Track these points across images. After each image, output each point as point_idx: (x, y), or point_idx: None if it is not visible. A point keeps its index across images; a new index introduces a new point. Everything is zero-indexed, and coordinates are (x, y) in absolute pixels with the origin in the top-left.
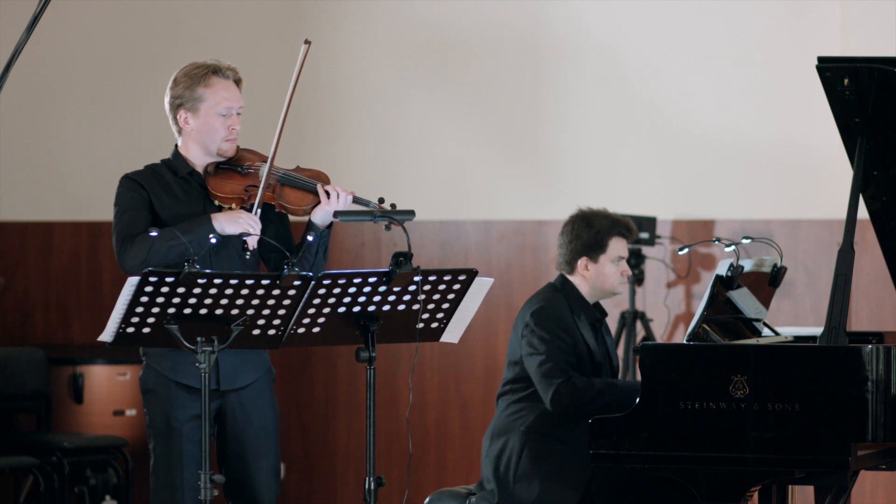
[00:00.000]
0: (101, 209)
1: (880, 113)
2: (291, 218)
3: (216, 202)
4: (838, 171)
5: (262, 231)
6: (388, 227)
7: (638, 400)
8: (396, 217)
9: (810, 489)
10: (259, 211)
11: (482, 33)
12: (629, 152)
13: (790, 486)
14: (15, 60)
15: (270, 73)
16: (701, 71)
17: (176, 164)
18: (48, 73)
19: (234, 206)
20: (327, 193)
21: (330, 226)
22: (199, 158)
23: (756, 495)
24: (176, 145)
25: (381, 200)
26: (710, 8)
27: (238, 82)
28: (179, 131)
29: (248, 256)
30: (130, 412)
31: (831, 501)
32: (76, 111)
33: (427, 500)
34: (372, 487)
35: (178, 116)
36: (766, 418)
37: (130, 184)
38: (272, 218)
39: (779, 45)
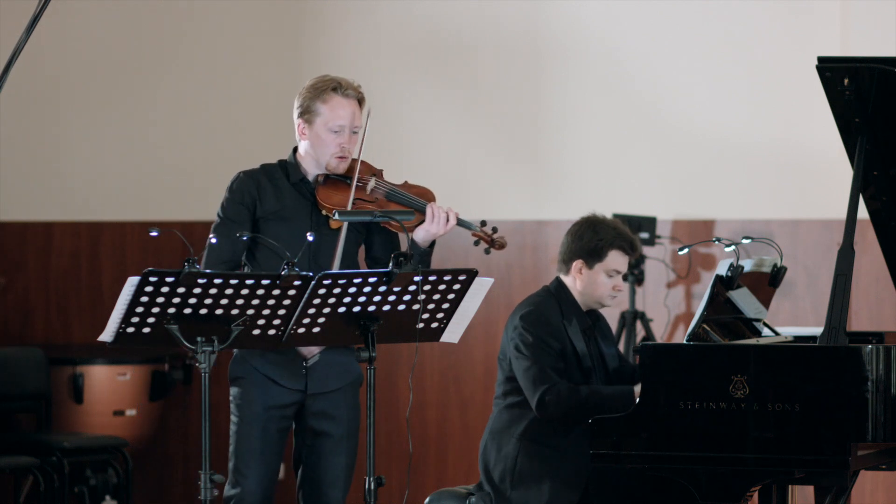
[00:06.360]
0: (102, 209)
1: (880, 113)
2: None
3: (324, 212)
4: (838, 171)
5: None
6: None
7: (638, 400)
8: (396, 217)
9: (810, 489)
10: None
11: (482, 33)
12: (629, 152)
13: (790, 486)
14: (15, 60)
15: (271, 73)
16: (701, 71)
17: (290, 168)
18: (48, 74)
19: None
20: (432, 213)
21: (432, 245)
22: (311, 167)
23: (756, 495)
24: (295, 148)
25: (483, 223)
26: (710, 8)
27: (360, 101)
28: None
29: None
30: (130, 412)
31: (831, 501)
32: (76, 111)
33: (427, 500)
34: (372, 487)
35: (298, 125)
36: (766, 418)
37: (240, 187)
38: (377, 230)
39: (779, 45)
